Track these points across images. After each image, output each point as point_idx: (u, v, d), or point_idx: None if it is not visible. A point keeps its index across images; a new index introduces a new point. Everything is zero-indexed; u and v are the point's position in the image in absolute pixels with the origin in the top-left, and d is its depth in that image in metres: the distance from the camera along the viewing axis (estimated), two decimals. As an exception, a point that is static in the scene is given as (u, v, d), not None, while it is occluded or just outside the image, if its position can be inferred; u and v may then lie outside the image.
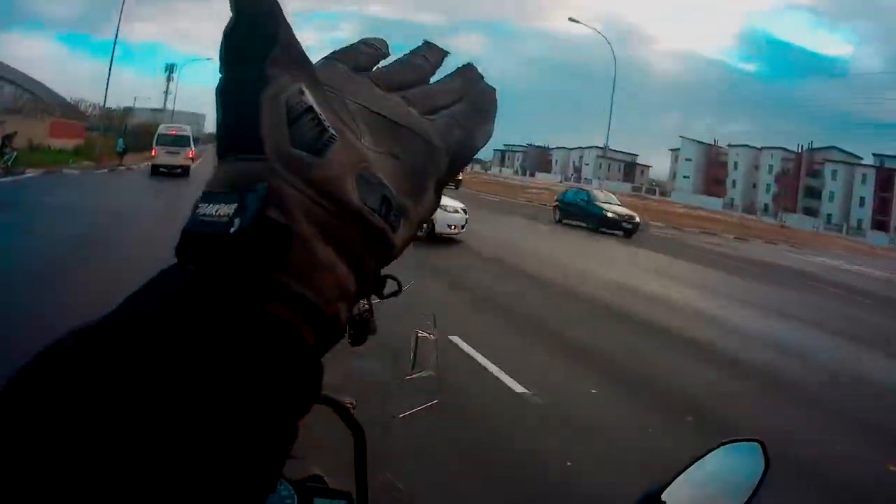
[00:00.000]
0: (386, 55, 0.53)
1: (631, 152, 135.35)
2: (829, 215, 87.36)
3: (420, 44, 0.55)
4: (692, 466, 1.20)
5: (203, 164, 45.28)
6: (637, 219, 30.11)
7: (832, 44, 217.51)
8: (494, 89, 0.54)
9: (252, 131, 0.42)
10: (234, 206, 0.40)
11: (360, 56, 0.51)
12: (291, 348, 0.39)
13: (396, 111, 0.48)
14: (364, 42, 0.53)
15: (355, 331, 1.55)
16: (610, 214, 29.51)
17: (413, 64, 0.53)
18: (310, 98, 0.43)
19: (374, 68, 0.51)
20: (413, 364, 1.63)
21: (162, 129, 38.92)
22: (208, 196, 0.42)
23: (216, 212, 0.41)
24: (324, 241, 0.41)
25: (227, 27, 0.43)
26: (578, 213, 30.78)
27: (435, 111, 0.50)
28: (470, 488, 5.00)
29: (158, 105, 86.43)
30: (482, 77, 0.54)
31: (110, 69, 54.04)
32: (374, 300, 1.22)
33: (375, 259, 0.44)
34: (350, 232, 0.42)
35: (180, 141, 36.39)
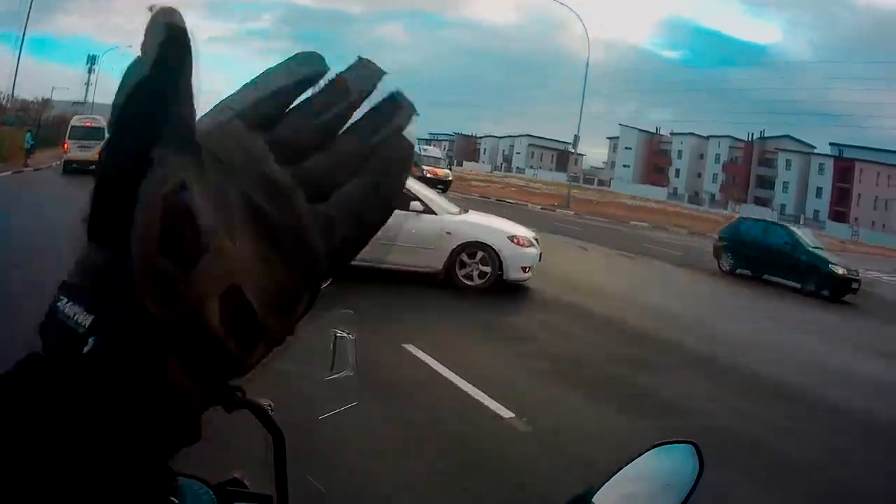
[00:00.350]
0: (308, 87, 0.45)
1: (563, 140, 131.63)
2: (783, 206, 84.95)
3: (355, 61, 0.47)
4: (624, 468, 1.17)
5: None
6: (859, 274, 19.58)
7: (760, 32, 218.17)
8: (412, 145, 0.48)
9: (122, 225, 0.39)
10: (91, 318, 0.39)
11: (266, 104, 0.45)
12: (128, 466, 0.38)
13: (279, 202, 0.43)
14: (286, 70, 0.45)
15: None
16: (840, 271, 18.74)
17: (323, 120, 0.46)
18: (191, 194, 0.39)
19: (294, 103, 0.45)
20: (332, 364, 1.62)
21: (75, 120, 34.89)
22: (69, 288, 0.40)
23: (74, 315, 0.39)
24: (176, 363, 0.39)
25: (127, 73, 0.39)
26: (771, 262, 19.77)
27: (332, 189, 0.45)
28: None
29: (79, 97, 79.63)
30: (402, 127, 0.47)
31: (19, 57, 47.24)
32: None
33: (227, 378, 0.43)
34: (206, 355, 0.40)
35: (95, 134, 31.98)
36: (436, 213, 11.08)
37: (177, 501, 1.11)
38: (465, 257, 11.08)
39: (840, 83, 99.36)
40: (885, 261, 43.91)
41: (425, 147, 49.56)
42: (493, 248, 11.11)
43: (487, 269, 11.13)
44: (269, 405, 1.35)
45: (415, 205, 10.93)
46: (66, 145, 32.59)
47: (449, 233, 11.00)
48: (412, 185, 11.42)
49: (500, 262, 11.13)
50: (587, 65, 46.92)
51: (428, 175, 39.55)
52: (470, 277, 11.12)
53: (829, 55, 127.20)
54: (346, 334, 1.63)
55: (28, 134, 39.20)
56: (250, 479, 1.37)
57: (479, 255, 11.11)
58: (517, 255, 11.27)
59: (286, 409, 1.39)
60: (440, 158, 46.98)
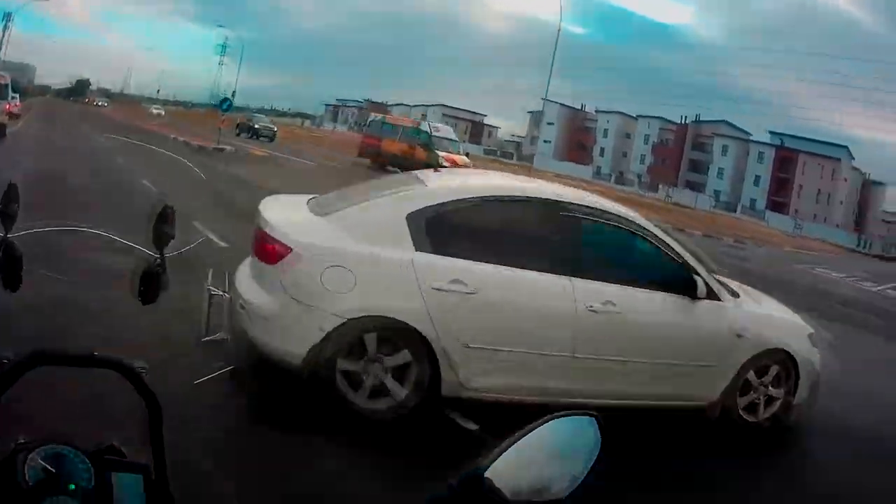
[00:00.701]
0: None
1: (478, 112, 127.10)
2: (718, 192, 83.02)
3: None
4: (518, 441, 1.13)
5: (31, 122, 36.22)
6: None
7: (670, 13, 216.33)
8: None
9: None
10: None
11: None
12: None
13: None
14: None
15: (146, 287, 1.62)
16: None
17: None
18: None
19: None
20: (206, 326, 1.91)
21: None
22: None
23: None
24: None
25: None
26: None
27: None
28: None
29: None
30: None
31: None
32: (168, 253, 1.59)
33: None
34: None
35: None
36: (719, 299, 5.95)
37: (53, 469, 1.19)
38: (751, 376, 6.04)
39: (760, 70, 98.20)
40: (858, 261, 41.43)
41: (436, 125, 39.78)
42: (792, 357, 6.12)
43: (779, 392, 6.12)
44: (143, 368, 1.32)
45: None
46: None
47: (740, 335, 5.90)
48: (672, 244, 6.04)
49: (796, 380, 6.18)
50: (558, 34, 42.10)
51: (445, 165, 32.07)
52: (753, 410, 6.06)
53: (744, 41, 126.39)
54: (220, 293, 1.85)
55: None
56: (129, 446, 1.34)
57: (773, 370, 6.09)
58: (814, 364, 6.33)
59: (161, 373, 1.44)
60: (455, 140, 37.90)
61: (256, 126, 50.75)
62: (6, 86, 28.40)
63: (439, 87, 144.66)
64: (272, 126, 52.59)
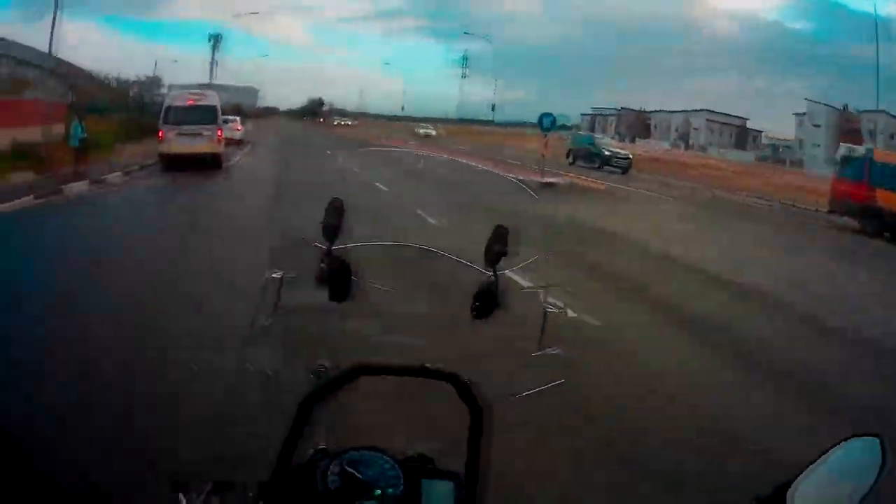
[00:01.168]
0: None
1: (740, 115, 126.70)
2: None
3: None
4: (815, 463, 1.20)
5: (257, 150, 32.72)
6: None
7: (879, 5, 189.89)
8: None
9: None
10: None
11: None
12: None
13: None
14: None
15: (480, 303, 1.73)
16: None
17: None
18: None
19: None
20: (540, 340, 1.60)
21: (172, 98, 24.79)
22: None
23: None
24: None
25: None
26: None
27: None
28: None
29: (202, 78, 60.62)
30: None
31: (54, 18, 39.29)
32: (502, 270, 1.70)
33: None
34: None
35: (202, 115, 23.21)
36: None
37: (358, 475, 1.29)
38: None
39: None
40: None
41: None
42: None
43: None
44: (469, 381, 1.36)
45: None
46: (160, 133, 23.05)
47: None
48: None
49: None
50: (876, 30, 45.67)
51: None
52: None
53: None
54: (556, 309, 1.56)
55: (75, 124, 21.98)
56: (439, 456, 1.36)
57: None
58: None
59: (485, 385, 1.32)
60: None
61: (606, 153, 38.09)
62: (213, 108, 23.61)
63: (679, 91, 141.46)
64: (626, 153, 39.64)
